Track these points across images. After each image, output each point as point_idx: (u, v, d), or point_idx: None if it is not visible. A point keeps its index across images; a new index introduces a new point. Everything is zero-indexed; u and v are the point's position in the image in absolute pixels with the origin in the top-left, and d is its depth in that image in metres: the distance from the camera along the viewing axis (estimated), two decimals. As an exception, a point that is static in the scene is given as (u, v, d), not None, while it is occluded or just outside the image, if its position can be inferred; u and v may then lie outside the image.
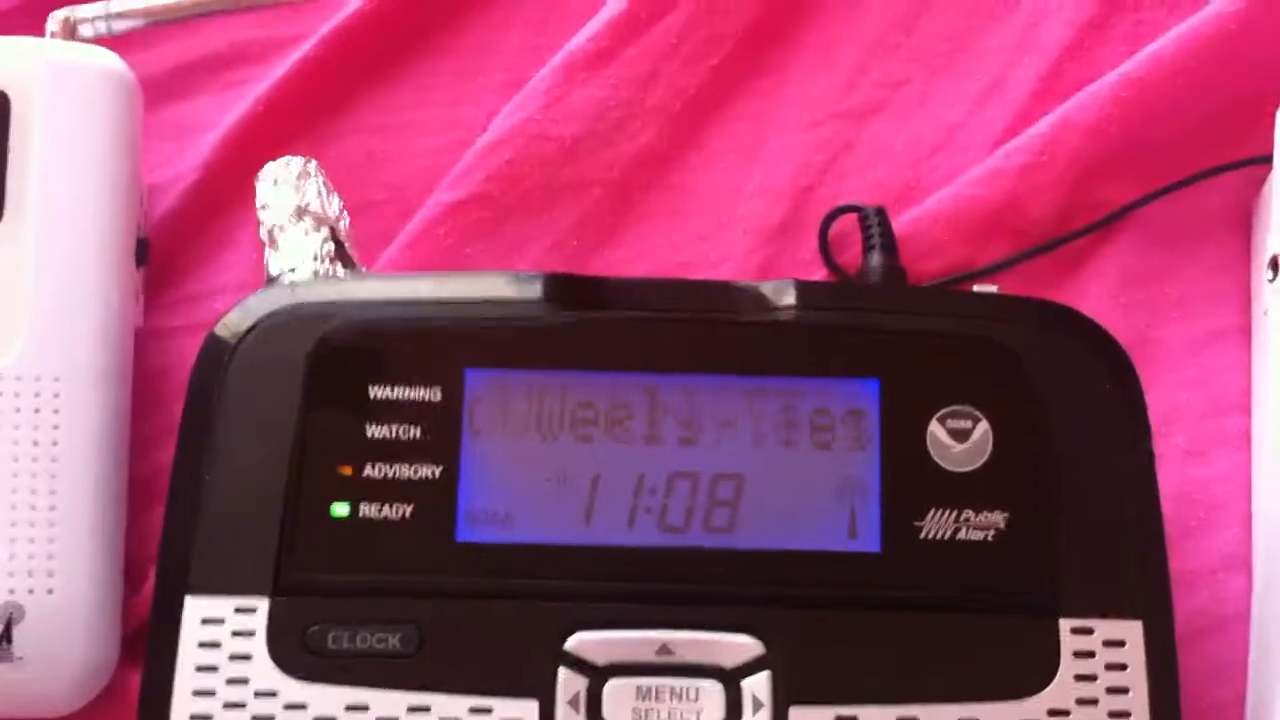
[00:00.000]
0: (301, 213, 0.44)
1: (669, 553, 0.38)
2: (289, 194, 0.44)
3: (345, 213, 0.46)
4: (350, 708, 0.36)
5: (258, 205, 0.45)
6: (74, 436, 0.40)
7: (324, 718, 0.36)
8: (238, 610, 0.37)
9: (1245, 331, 0.47)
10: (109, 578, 0.41)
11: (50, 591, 0.39)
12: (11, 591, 0.39)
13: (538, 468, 0.38)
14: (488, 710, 0.36)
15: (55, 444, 0.40)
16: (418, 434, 0.38)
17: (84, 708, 0.41)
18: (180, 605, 0.37)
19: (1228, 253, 0.48)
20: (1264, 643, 0.41)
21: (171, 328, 0.47)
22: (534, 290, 0.39)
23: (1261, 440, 0.44)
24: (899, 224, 0.47)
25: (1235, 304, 0.47)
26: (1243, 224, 0.48)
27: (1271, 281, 0.44)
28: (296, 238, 0.44)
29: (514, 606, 0.37)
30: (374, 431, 0.38)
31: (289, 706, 0.36)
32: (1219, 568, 0.43)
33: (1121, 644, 0.37)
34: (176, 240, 0.48)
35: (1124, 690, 0.36)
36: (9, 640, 0.39)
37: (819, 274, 0.48)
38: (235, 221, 0.49)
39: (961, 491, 0.38)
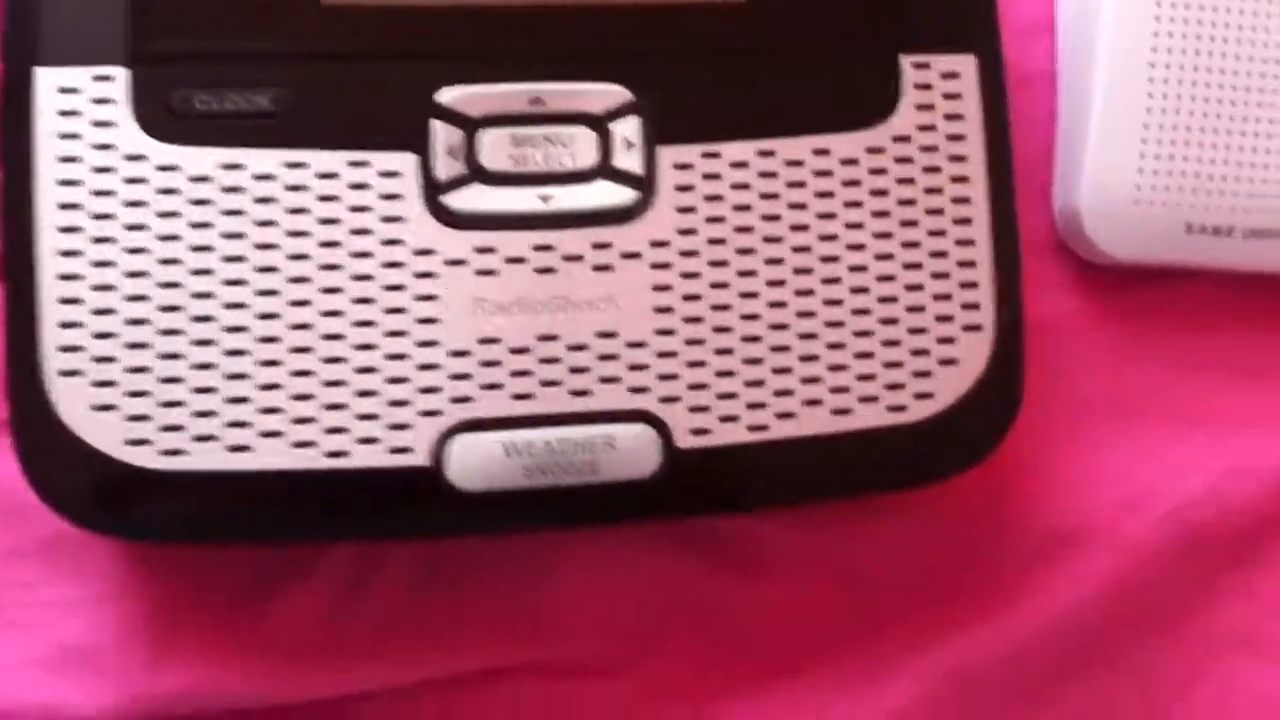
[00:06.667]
0: None
1: (535, 9, 0.35)
2: None
3: None
4: (225, 166, 0.33)
5: None
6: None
7: (198, 177, 0.33)
8: (95, 79, 0.33)
9: None
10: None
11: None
12: None
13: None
14: (365, 164, 0.34)
15: None
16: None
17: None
18: (30, 77, 0.33)
19: None
20: (1072, 93, 0.42)
21: None
22: None
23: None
24: None
25: None
26: None
27: None
28: None
29: (382, 66, 0.34)
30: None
31: (161, 169, 0.33)
32: (1026, 31, 0.43)
33: (956, 75, 0.37)
34: None
35: (959, 116, 0.36)
36: None
37: None
38: None
39: (811, -59, 0.37)
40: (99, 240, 0.33)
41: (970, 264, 0.36)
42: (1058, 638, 0.40)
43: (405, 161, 0.34)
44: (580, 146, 0.35)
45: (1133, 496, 0.40)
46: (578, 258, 0.34)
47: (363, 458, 0.33)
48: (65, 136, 0.33)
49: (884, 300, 0.35)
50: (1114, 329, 0.42)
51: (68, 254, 0.32)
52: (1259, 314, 0.42)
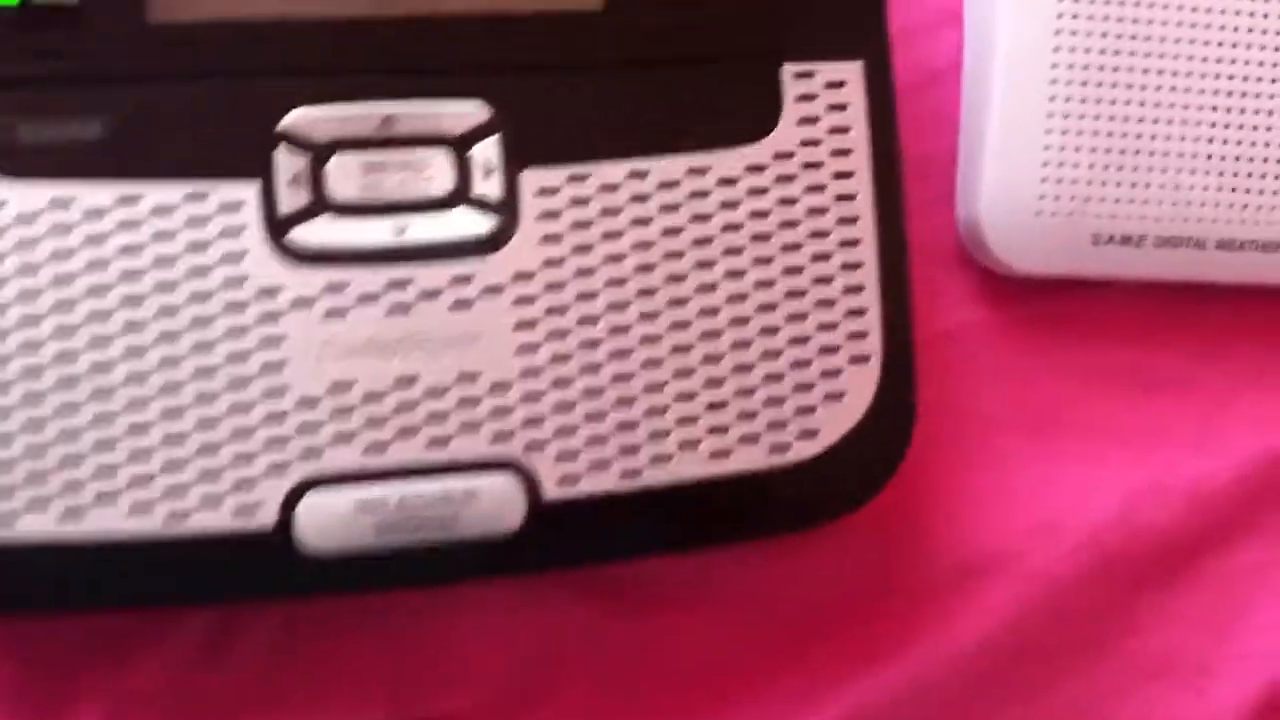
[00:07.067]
0: None
1: (384, 21, 0.32)
2: None
3: None
4: (55, 202, 0.31)
5: None
6: None
7: (26, 214, 0.30)
8: (-93, 109, 0.31)
9: None
10: None
11: None
12: None
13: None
14: (203, 195, 0.31)
15: None
16: (82, -98, 0.32)
17: None
18: None
19: None
20: (974, 95, 0.39)
21: None
22: None
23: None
24: None
25: None
26: None
27: None
28: None
29: (221, 87, 0.32)
30: (30, -98, 0.32)
31: (-17, 207, 0.31)
32: (936, 23, 0.40)
33: (842, 85, 0.34)
34: None
35: (845, 130, 0.34)
36: None
37: None
38: None
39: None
40: (-87, 289, 0.31)
41: (857, 289, 0.34)
42: (967, 671, 0.38)
43: (247, 192, 0.31)
44: (436, 171, 0.32)
45: (1043, 520, 0.39)
46: (435, 293, 0.32)
47: (204, 520, 0.31)
48: (-124, 170, 0.31)
49: (765, 332, 0.33)
50: (1022, 340, 0.40)
51: (-121, 304, 0.30)
52: (1172, 322, 0.40)
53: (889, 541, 0.38)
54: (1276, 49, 0.38)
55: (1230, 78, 0.38)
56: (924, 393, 0.36)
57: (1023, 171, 0.37)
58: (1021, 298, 0.40)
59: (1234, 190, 0.38)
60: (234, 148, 0.31)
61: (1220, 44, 0.38)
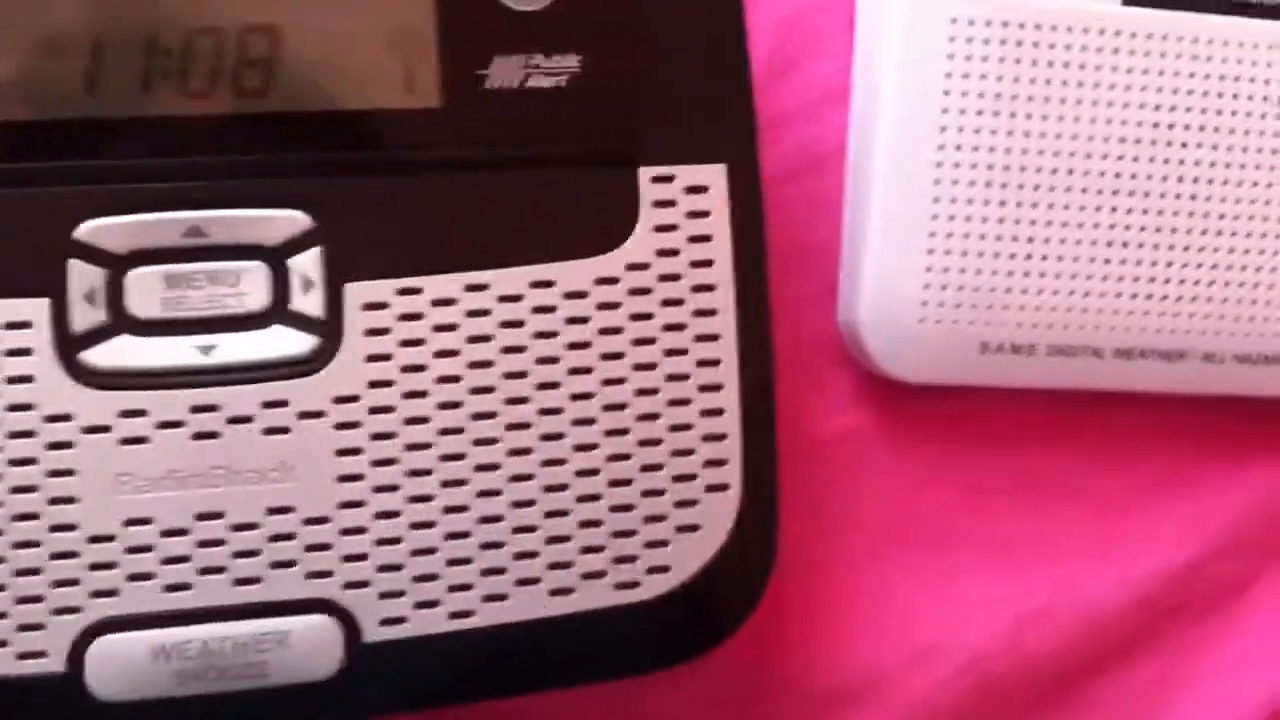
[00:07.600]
0: None
1: (193, 122, 0.29)
2: None
3: None
4: None
5: None
6: None
7: None
8: None
9: None
10: None
11: None
12: None
13: (21, 27, 0.29)
14: (-12, 314, 0.29)
15: None
16: None
17: None
18: None
19: None
20: (856, 192, 0.36)
21: None
22: None
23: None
24: None
25: None
26: None
27: None
28: None
29: (8, 195, 0.28)
30: None
31: None
32: (820, 101, 0.37)
33: (704, 190, 0.31)
34: None
35: (706, 238, 0.31)
36: None
37: None
38: None
39: (530, 32, 0.31)
40: None
41: (716, 412, 0.31)
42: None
43: (36, 309, 0.28)
44: (250, 285, 0.29)
45: (923, 646, 0.36)
46: (246, 419, 0.29)
47: (-14, 666, 0.29)
48: None
49: (614, 458, 0.30)
50: (907, 445, 0.37)
51: None
52: (1067, 429, 0.38)
53: (753, 669, 0.36)
54: (1176, 151, 0.35)
55: (1133, 177, 0.35)
56: (800, 503, 0.34)
57: (905, 276, 0.34)
58: (907, 400, 0.37)
59: (1134, 297, 0.35)
60: (23, 261, 0.28)
61: (1121, 141, 0.35)
